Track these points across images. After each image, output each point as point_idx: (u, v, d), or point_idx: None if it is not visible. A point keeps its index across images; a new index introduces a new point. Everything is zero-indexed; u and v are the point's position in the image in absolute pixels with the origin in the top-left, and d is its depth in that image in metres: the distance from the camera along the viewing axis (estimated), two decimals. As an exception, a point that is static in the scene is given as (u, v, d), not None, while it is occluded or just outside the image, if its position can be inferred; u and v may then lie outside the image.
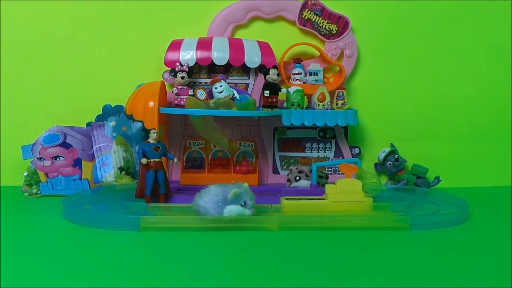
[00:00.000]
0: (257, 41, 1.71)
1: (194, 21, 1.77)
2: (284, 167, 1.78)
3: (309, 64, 1.77)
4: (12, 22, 1.74)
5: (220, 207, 1.30)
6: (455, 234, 1.32)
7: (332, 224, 1.34)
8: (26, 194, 1.65)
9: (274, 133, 1.78)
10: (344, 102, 1.69)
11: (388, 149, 1.81)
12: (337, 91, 1.70)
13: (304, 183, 1.61)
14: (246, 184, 1.34)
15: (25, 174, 1.66)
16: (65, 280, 1.01)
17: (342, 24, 1.78)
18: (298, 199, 1.46)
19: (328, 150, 1.79)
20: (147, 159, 1.45)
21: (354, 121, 1.68)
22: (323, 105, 1.68)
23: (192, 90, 1.62)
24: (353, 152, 1.79)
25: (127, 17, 1.77)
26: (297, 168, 1.64)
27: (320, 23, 1.78)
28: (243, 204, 1.30)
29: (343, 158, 1.78)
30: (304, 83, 1.74)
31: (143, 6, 1.77)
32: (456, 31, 1.86)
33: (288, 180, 1.63)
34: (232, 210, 1.30)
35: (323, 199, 1.47)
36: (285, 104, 1.68)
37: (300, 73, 1.73)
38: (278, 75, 1.59)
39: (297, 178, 1.62)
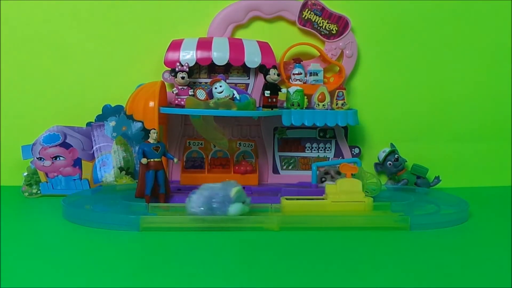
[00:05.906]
0: (257, 41, 1.71)
1: (194, 21, 1.77)
2: (284, 167, 1.78)
3: (309, 64, 1.77)
4: (12, 22, 1.74)
5: (223, 206, 1.31)
6: (455, 234, 1.32)
7: (332, 224, 1.34)
8: (26, 194, 1.65)
9: (274, 133, 1.78)
10: (344, 102, 1.69)
11: (388, 149, 1.81)
12: (337, 91, 1.70)
13: None
14: (233, 181, 1.36)
15: (25, 174, 1.66)
16: (65, 280, 1.01)
17: (342, 24, 1.78)
18: (298, 199, 1.46)
19: (328, 150, 1.79)
20: (147, 159, 1.45)
21: (354, 121, 1.68)
22: (323, 105, 1.68)
23: (192, 90, 1.62)
24: (353, 152, 1.79)
25: (127, 17, 1.77)
26: (324, 169, 1.69)
27: (320, 23, 1.78)
28: (243, 202, 1.33)
29: (343, 158, 1.78)
30: (304, 83, 1.74)
31: (143, 6, 1.77)
32: (456, 31, 1.86)
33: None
34: (236, 208, 1.32)
35: (323, 199, 1.47)
36: (285, 104, 1.68)
37: (300, 73, 1.73)
38: (278, 75, 1.59)
39: (323, 179, 1.68)
